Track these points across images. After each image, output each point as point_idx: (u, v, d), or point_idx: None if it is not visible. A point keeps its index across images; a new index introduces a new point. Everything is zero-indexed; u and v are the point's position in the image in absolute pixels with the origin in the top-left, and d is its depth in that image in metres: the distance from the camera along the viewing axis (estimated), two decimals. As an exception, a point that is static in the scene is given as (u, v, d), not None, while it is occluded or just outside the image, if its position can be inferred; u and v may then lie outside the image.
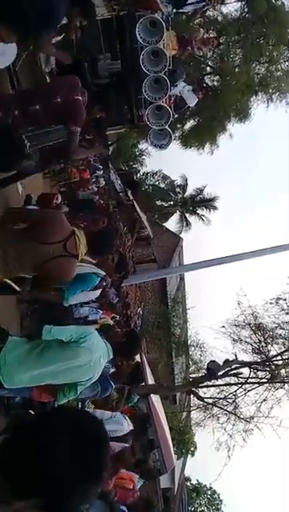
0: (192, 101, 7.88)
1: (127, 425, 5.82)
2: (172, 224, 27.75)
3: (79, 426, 1.29)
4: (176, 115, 7.94)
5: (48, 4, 3.15)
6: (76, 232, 3.44)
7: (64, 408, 2.53)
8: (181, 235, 26.73)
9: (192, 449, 20.45)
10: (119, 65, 8.25)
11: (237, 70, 18.10)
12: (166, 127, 7.56)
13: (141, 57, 6.77)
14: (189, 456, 20.78)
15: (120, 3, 6.91)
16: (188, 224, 28.02)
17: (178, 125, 19.32)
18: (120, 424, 5.74)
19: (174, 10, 7.37)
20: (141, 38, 6.68)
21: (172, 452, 12.85)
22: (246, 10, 17.32)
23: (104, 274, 5.30)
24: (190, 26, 15.84)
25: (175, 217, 28.21)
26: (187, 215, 28.08)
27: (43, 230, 3.34)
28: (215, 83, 18.65)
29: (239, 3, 17.43)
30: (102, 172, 12.98)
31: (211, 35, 8.96)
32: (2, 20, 2.55)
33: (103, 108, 4.47)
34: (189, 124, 20.45)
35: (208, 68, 19.15)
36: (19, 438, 1.25)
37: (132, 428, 5.90)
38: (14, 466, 1.19)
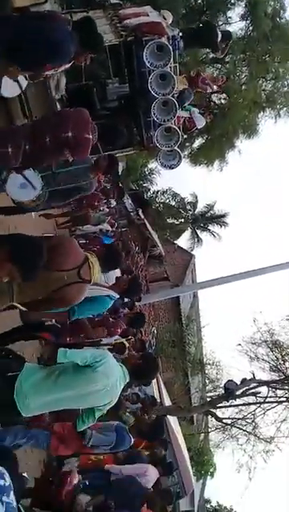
0: (201, 123, 7.99)
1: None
2: (183, 241, 27.75)
3: None
4: (185, 136, 8.02)
5: (54, 42, 3.25)
6: (89, 257, 3.45)
7: None
8: (193, 252, 26.70)
9: (211, 470, 20.06)
10: (127, 88, 8.39)
11: (244, 87, 18.29)
12: (175, 147, 7.63)
13: (149, 80, 6.88)
14: (209, 477, 20.37)
15: (127, 29, 7.05)
16: (199, 240, 27.99)
17: (187, 144, 19.45)
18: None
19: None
20: (149, 62, 6.80)
21: (192, 474, 12.59)
22: (250, 28, 17.54)
23: (118, 296, 5.25)
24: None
25: (186, 234, 28.22)
26: (198, 232, 28.07)
27: (57, 257, 3.31)
28: (222, 101, 18.81)
29: (244, 22, 17.70)
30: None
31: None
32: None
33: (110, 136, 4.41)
34: (197, 142, 20.57)
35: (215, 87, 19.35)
36: None
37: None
38: None
